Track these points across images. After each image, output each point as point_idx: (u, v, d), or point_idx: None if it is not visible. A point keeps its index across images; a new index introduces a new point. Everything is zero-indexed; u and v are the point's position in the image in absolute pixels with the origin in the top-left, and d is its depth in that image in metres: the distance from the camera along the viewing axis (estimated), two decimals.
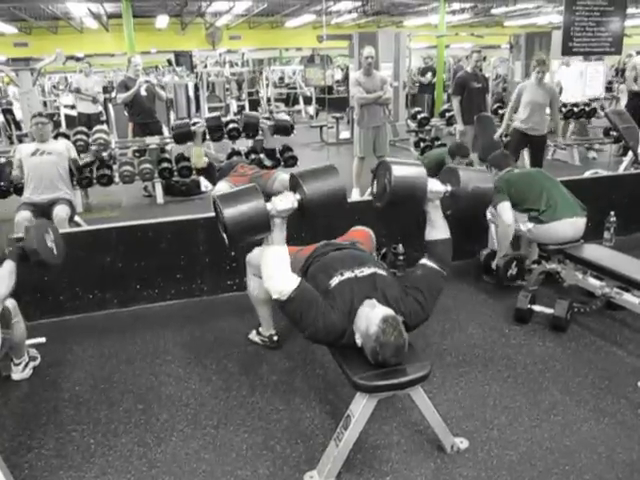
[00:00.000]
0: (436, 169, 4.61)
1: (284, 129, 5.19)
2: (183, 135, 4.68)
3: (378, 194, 2.22)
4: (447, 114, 7.19)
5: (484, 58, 10.33)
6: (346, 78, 9.19)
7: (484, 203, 2.35)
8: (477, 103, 6.09)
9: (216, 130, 5.02)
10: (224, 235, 2.03)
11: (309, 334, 2.10)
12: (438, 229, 2.24)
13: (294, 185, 2.08)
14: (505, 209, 3.42)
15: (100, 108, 8.37)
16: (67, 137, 5.51)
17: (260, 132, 5.65)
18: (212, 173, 4.42)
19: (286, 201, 2.04)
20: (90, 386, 2.67)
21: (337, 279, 2.17)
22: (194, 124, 5.61)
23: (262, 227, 2.01)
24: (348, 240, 2.68)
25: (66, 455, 2.22)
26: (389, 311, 2.01)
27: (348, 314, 2.06)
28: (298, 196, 2.05)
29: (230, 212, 1.95)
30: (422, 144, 6.92)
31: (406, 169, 2.14)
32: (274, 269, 2.06)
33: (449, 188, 2.20)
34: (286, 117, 5.68)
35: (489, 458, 2.14)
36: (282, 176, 4.22)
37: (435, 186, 2.18)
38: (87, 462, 2.18)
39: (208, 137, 5.31)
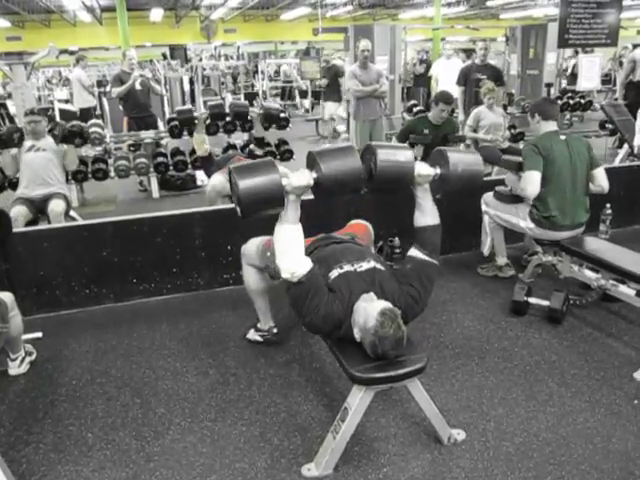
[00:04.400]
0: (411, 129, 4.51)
1: (273, 117, 5.10)
2: (186, 120, 4.63)
3: (365, 178, 2.17)
4: None
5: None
6: (330, 68, 9.09)
7: (474, 185, 2.28)
8: (477, 94, 6.07)
9: (219, 117, 4.94)
10: (237, 208, 2.02)
11: (309, 321, 2.08)
12: (427, 215, 2.19)
13: (311, 163, 2.06)
14: (532, 179, 2.98)
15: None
16: None
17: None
18: (211, 163, 4.40)
19: (302, 177, 2.00)
20: (87, 381, 2.67)
21: (336, 272, 2.16)
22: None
23: (276, 201, 1.99)
24: (347, 234, 2.67)
25: (64, 449, 2.22)
26: (387, 304, 2.01)
27: (346, 307, 2.06)
28: (315, 174, 2.01)
29: (245, 184, 1.94)
30: None
31: (392, 152, 2.10)
32: (288, 247, 2.03)
33: (438, 171, 2.16)
34: (276, 105, 5.60)
35: (486, 449, 2.15)
36: None
37: (424, 169, 2.14)
38: (85, 456, 2.18)
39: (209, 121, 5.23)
